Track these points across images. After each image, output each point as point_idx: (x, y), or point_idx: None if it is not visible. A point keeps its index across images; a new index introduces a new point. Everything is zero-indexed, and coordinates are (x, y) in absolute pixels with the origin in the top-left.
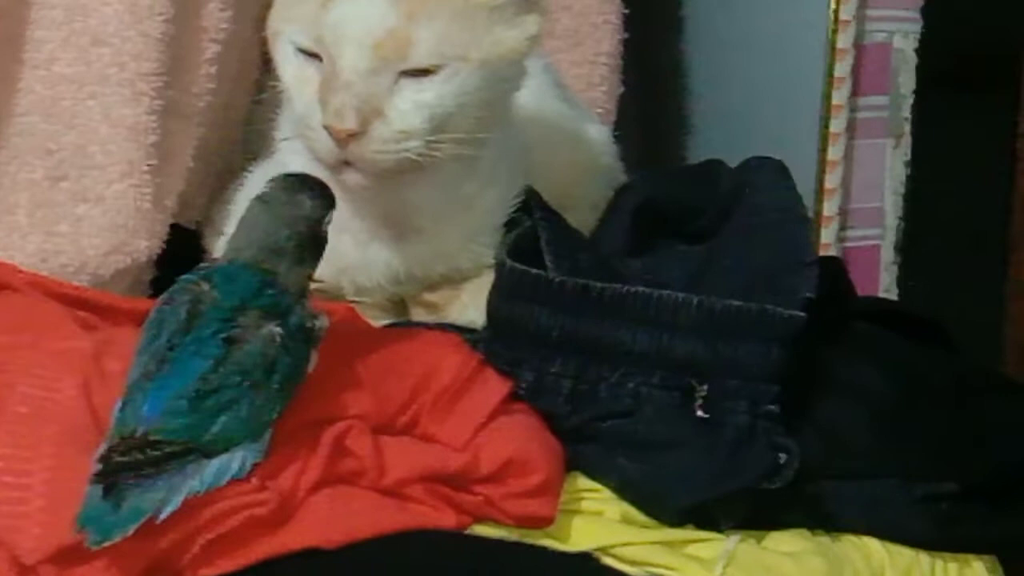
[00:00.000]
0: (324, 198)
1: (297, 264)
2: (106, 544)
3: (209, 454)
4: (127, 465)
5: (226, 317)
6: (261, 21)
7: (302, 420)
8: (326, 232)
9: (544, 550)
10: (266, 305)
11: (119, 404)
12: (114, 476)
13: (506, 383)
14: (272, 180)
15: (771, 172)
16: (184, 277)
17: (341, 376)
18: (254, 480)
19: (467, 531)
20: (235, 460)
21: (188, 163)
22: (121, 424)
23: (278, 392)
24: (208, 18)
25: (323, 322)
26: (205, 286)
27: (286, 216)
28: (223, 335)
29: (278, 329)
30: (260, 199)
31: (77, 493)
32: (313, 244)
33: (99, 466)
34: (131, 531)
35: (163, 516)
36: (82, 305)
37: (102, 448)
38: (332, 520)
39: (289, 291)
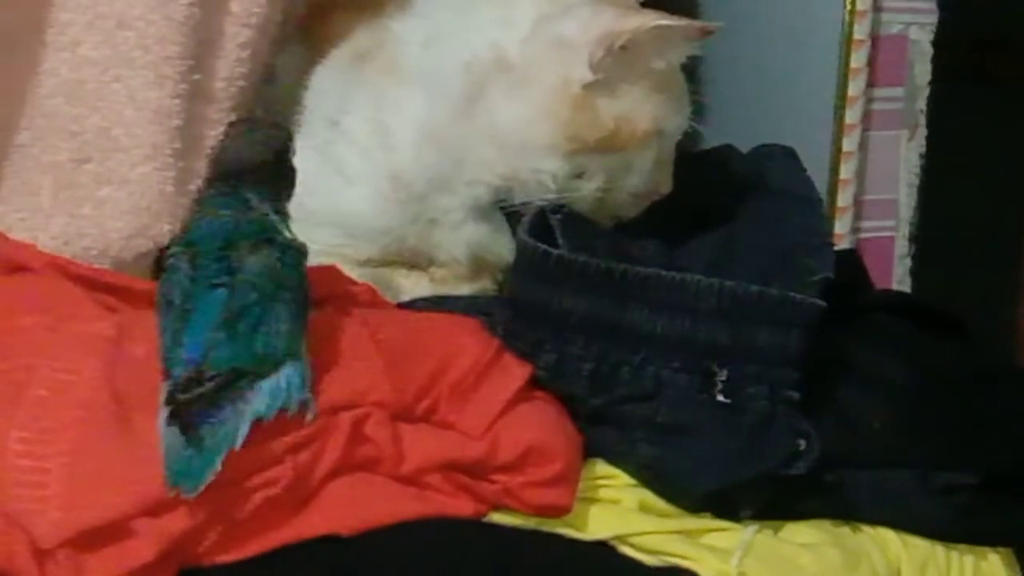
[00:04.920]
0: (276, 126)
1: (265, 179)
2: (200, 489)
3: (260, 375)
4: (192, 401)
5: (219, 256)
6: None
7: (321, 404)
8: (290, 158)
9: (561, 538)
10: (250, 232)
11: (164, 365)
12: (185, 414)
13: (525, 369)
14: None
15: (782, 157)
16: (170, 252)
17: (360, 361)
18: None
19: (484, 519)
20: (282, 379)
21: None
22: (174, 380)
23: (292, 303)
24: (238, 3)
25: (303, 242)
26: (191, 248)
27: (247, 141)
28: (226, 267)
29: (269, 250)
30: (223, 140)
31: (96, 478)
32: (278, 164)
33: (167, 408)
34: (218, 467)
35: (239, 443)
36: (101, 287)
37: (163, 396)
38: (350, 507)
39: (266, 214)
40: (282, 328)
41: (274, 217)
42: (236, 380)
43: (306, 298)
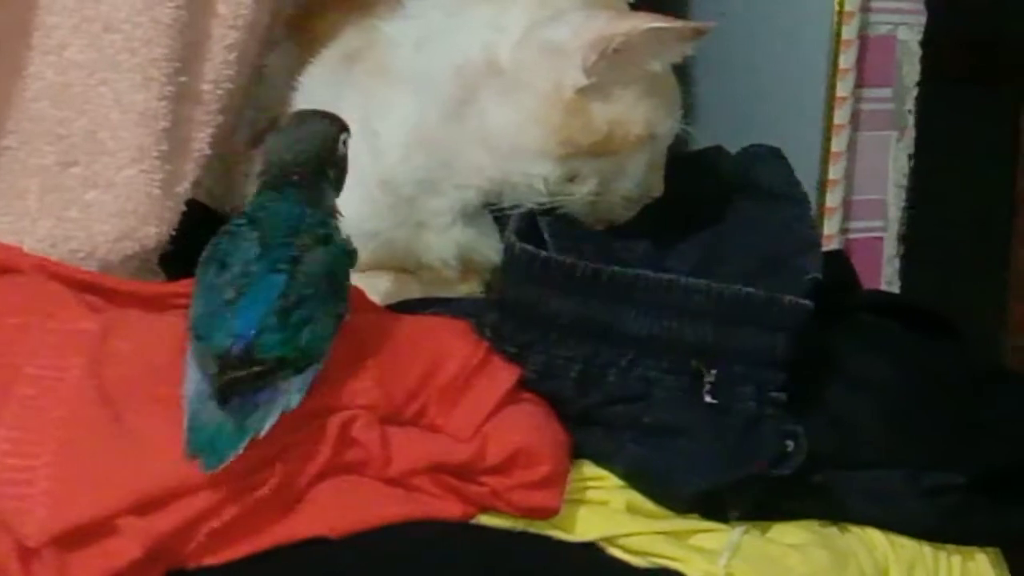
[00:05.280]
0: (334, 120)
1: (319, 177)
2: (221, 467)
3: (297, 369)
4: (241, 380)
5: (286, 242)
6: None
7: (309, 408)
8: (344, 154)
9: (549, 540)
10: (311, 227)
11: (197, 333)
12: (229, 389)
13: (513, 372)
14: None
15: (770, 158)
16: (234, 220)
17: (348, 364)
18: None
19: (472, 521)
20: (309, 376)
21: (205, 150)
22: (217, 346)
23: (337, 308)
24: (225, 5)
25: (355, 247)
26: (258, 224)
27: (299, 135)
28: (290, 255)
29: (327, 248)
30: (275, 130)
31: (82, 476)
32: (332, 161)
33: (218, 382)
34: (241, 450)
35: (264, 432)
36: (88, 288)
37: (213, 366)
38: (338, 509)
39: (323, 210)
40: (326, 332)
41: (331, 218)
42: (279, 369)
43: (346, 310)
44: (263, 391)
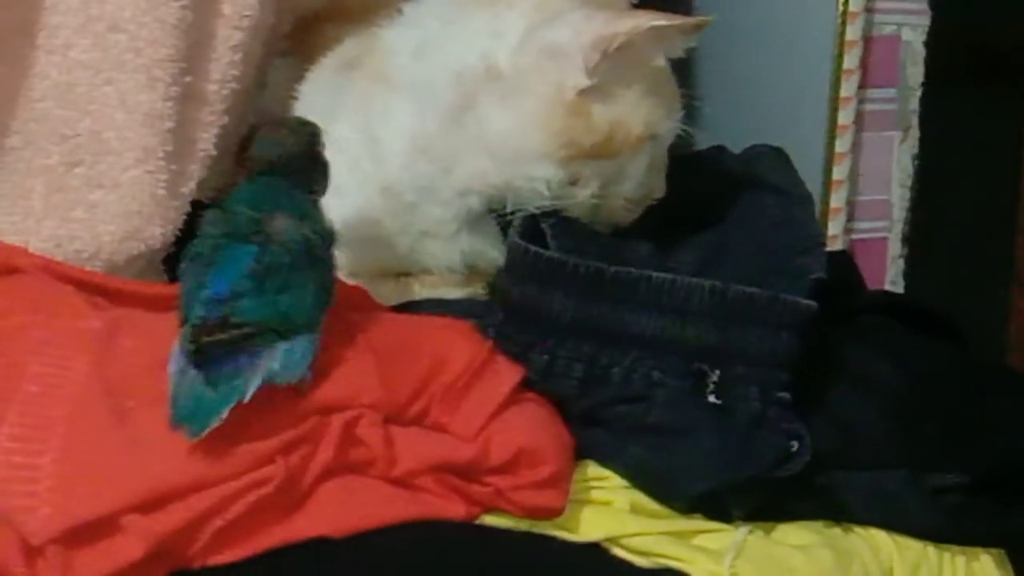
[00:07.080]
0: (310, 124)
1: (298, 175)
2: (205, 433)
3: (281, 335)
4: (215, 343)
5: (254, 217)
6: (280, 8)
7: (313, 406)
8: (320, 152)
9: (553, 540)
10: (289, 207)
11: (182, 316)
12: (205, 355)
13: (517, 372)
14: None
15: (773, 158)
16: (208, 208)
17: (352, 363)
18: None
19: (476, 521)
20: (297, 347)
21: (211, 151)
22: (195, 317)
23: (321, 284)
24: (230, 5)
25: (335, 229)
26: (229, 208)
27: (282, 136)
28: (260, 228)
29: (303, 223)
30: (260, 135)
31: (87, 473)
32: (309, 159)
33: (191, 346)
34: (225, 415)
35: (248, 397)
36: (92, 288)
37: (187, 335)
38: (342, 509)
39: (303, 196)
40: (307, 299)
41: (310, 204)
42: (258, 334)
43: (332, 284)
44: (242, 355)
